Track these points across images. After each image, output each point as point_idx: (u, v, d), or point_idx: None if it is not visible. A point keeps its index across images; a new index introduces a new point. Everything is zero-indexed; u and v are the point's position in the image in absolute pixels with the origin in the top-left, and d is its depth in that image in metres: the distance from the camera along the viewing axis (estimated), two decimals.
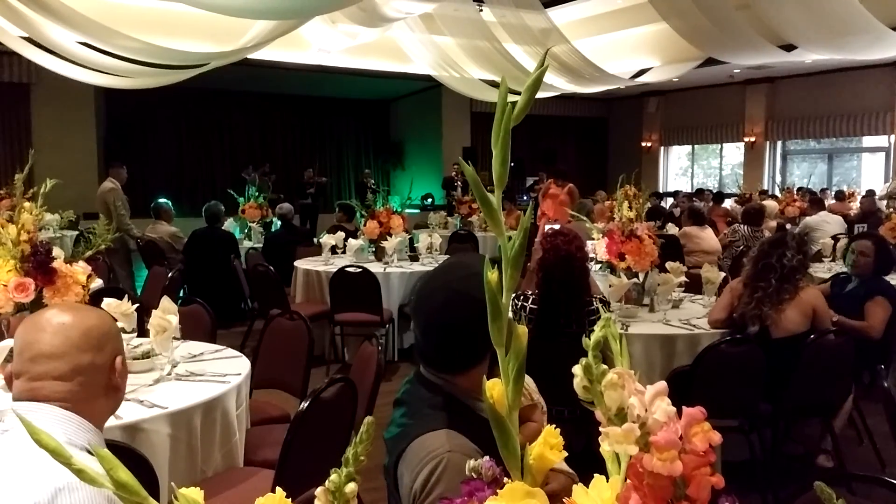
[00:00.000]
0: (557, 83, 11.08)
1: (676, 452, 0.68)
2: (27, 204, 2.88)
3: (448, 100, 15.52)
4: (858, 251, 4.30)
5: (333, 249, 6.66)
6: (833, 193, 12.97)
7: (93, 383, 1.34)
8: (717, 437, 0.70)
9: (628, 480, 0.71)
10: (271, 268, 5.88)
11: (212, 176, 16.21)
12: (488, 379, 0.89)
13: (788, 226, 8.33)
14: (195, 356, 3.06)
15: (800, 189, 12.40)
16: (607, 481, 0.74)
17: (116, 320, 2.54)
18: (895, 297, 4.15)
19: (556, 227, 4.02)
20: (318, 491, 0.74)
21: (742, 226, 7.28)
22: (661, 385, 0.73)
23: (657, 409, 0.71)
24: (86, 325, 1.36)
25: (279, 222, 8.72)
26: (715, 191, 13.85)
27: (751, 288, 3.61)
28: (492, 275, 0.80)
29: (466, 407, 1.43)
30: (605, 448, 0.72)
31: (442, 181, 15.33)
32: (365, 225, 6.63)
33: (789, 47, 9.30)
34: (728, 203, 12.21)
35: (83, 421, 1.30)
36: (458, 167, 13.02)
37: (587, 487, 0.75)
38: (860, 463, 3.83)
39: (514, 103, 0.79)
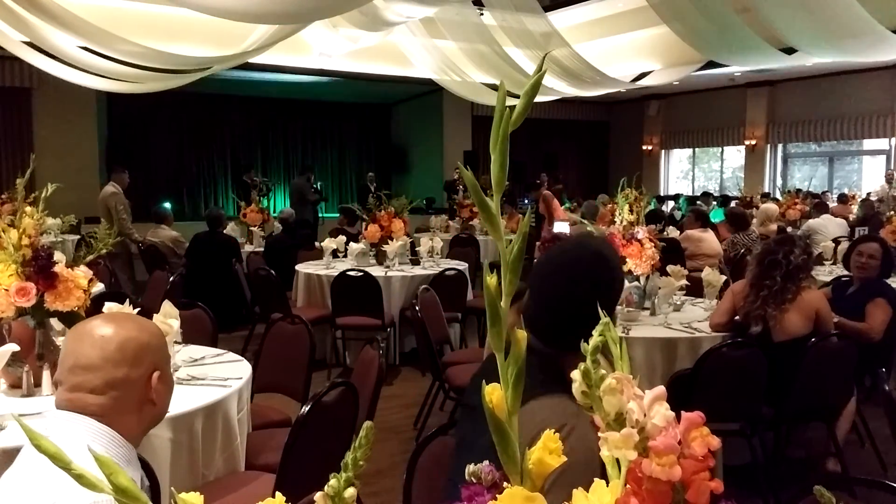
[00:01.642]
0: (558, 87, 11.07)
1: (675, 457, 0.68)
2: (28, 208, 2.88)
3: (449, 103, 15.51)
4: (868, 254, 4.26)
5: (335, 253, 6.66)
6: (835, 196, 12.95)
7: (126, 398, 1.35)
8: (715, 442, 0.70)
9: (627, 485, 0.71)
10: (272, 272, 5.88)
11: (213, 180, 16.21)
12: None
13: (790, 229, 8.31)
14: (197, 360, 3.07)
15: (798, 191, 12.38)
16: (607, 486, 0.74)
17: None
18: (895, 299, 4.15)
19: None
20: (318, 496, 0.74)
21: (737, 234, 7.24)
22: (660, 390, 0.73)
23: (656, 413, 0.71)
24: (123, 339, 1.37)
25: (279, 226, 8.73)
26: (718, 195, 13.81)
27: (756, 287, 3.61)
28: (491, 280, 0.80)
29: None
30: (605, 453, 0.72)
31: (443, 184, 15.33)
32: (366, 229, 6.63)
33: (790, 50, 9.28)
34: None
35: (116, 435, 1.32)
36: (460, 171, 13.00)
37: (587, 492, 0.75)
38: (862, 466, 3.83)
39: (512, 107, 0.79)
